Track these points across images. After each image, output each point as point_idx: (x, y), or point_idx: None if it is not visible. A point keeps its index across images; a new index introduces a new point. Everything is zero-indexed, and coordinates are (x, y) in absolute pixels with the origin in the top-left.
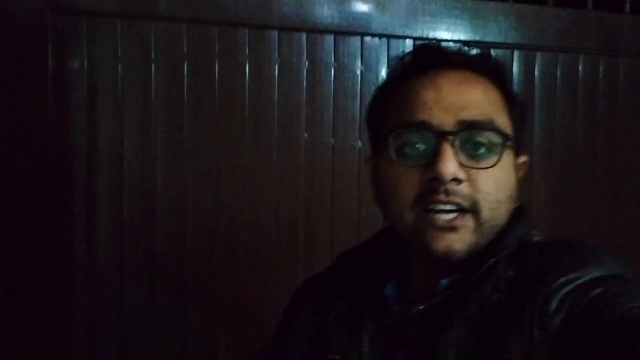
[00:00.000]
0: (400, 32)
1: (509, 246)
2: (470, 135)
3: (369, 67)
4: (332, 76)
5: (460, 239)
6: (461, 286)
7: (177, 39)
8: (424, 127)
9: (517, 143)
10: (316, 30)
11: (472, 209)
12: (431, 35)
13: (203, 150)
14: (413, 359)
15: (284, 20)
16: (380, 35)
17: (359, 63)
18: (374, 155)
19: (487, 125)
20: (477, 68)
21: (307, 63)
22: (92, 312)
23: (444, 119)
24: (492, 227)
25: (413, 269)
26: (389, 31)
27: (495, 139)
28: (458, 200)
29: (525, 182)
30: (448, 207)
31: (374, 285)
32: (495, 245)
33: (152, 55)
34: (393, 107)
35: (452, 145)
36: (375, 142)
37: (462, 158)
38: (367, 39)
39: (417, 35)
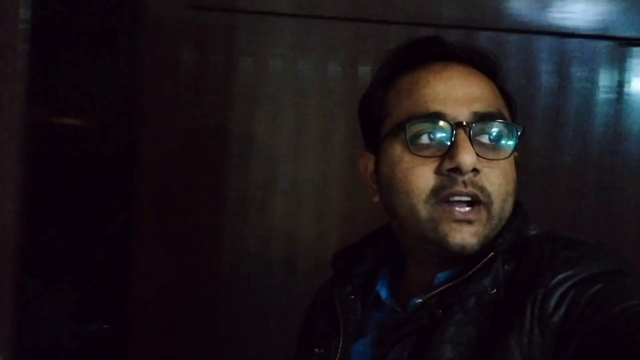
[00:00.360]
0: (534, 27)
1: (507, 240)
2: (484, 127)
3: None
4: None
5: (475, 232)
6: (458, 280)
7: (298, 34)
8: (439, 118)
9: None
10: (442, 25)
11: (485, 202)
12: (570, 29)
13: (323, 144)
14: (409, 353)
15: (407, 14)
16: (512, 31)
17: None
18: (373, 149)
19: (498, 117)
20: (478, 64)
21: None
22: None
23: (458, 111)
24: (501, 220)
25: (408, 264)
26: (522, 26)
27: (507, 130)
28: (476, 191)
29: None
30: (465, 198)
31: (365, 280)
32: (493, 240)
33: (277, 51)
34: (397, 99)
35: (469, 136)
36: (373, 135)
37: (478, 149)
38: (493, 34)
39: (555, 30)
